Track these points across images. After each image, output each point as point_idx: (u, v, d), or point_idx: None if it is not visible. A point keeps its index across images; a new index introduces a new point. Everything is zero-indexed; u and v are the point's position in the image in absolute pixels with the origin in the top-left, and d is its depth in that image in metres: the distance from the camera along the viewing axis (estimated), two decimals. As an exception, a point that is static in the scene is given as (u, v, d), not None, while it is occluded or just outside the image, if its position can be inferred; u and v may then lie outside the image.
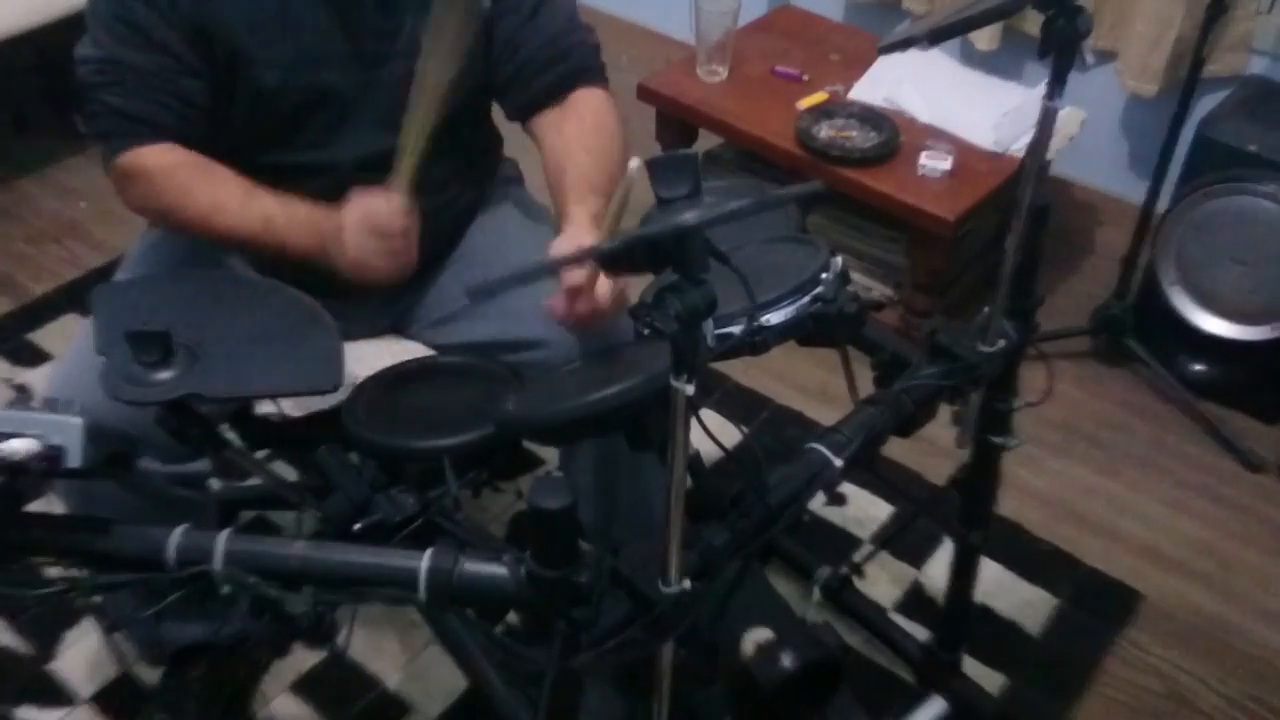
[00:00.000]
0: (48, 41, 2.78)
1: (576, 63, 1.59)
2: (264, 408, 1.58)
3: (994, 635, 1.97)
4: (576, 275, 1.34)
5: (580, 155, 1.51)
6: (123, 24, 1.43)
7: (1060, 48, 1.23)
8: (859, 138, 2.42)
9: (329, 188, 1.51)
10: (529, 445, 2.19)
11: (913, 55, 1.31)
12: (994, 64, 2.68)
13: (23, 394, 0.97)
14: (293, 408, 1.55)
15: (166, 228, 1.59)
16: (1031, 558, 2.11)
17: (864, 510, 2.19)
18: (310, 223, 1.45)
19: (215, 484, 1.69)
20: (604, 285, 1.36)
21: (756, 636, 1.23)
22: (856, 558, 2.00)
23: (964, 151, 2.37)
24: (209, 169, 1.48)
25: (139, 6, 1.42)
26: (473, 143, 1.69)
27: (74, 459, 0.94)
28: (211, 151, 1.50)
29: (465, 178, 1.68)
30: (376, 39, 1.51)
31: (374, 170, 1.50)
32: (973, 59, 2.71)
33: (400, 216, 1.43)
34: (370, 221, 1.42)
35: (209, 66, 1.46)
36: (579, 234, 1.40)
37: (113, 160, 1.48)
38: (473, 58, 1.52)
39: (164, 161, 1.47)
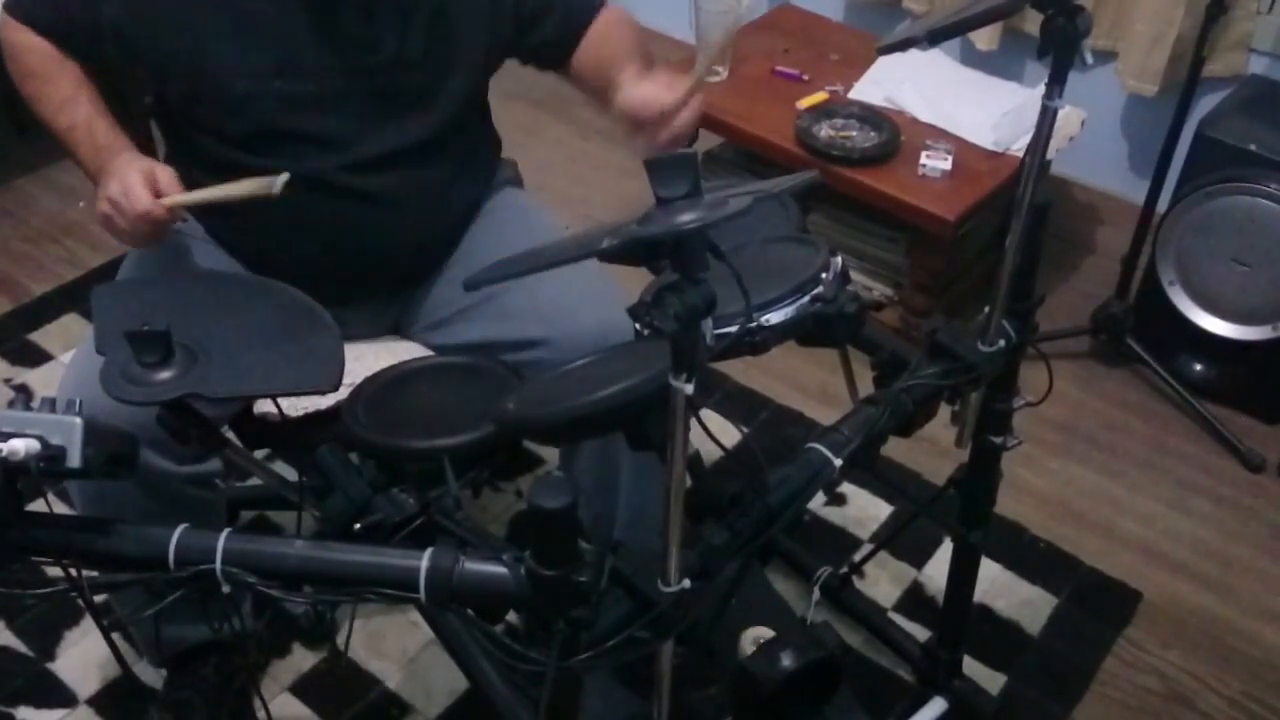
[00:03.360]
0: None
1: (595, 3, 1.67)
2: (263, 407, 1.58)
3: (994, 635, 1.97)
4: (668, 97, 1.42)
5: (614, 42, 1.63)
6: None
7: (1060, 47, 1.23)
8: (859, 138, 2.42)
9: (297, 185, 1.53)
10: (529, 445, 2.19)
11: (913, 55, 1.31)
12: (994, 64, 2.68)
13: (23, 394, 0.96)
14: (292, 408, 1.55)
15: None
16: (1031, 558, 2.11)
17: (864, 510, 2.19)
18: (97, 150, 1.51)
19: (218, 483, 1.69)
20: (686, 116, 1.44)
21: (755, 634, 1.23)
22: (856, 558, 2.00)
23: (964, 151, 2.37)
24: (57, 64, 1.54)
25: None
26: (472, 143, 1.69)
27: (74, 459, 0.94)
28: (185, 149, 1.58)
29: (464, 178, 1.68)
30: (355, 49, 1.51)
31: (353, 173, 1.54)
32: (973, 59, 2.71)
33: (141, 204, 1.41)
34: (124, 190, 1.42)
35: (102, 51, 1.52)
36: (648, 78, 1.50)
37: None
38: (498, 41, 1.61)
39: (23, 42, 1.55)
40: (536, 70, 1.72)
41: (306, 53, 1.49)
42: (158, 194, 1.42)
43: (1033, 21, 1.26)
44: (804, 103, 2.51)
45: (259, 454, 1.84)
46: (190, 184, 1.57)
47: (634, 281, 1.20)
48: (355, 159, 1.55)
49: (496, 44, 1.62)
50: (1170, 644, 1.99)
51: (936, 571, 2.04)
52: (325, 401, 1.55)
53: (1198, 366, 2.41)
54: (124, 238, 1.46)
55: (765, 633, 1.25)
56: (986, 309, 1.40)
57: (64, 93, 1.54)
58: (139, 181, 1.41)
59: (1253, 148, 2.17)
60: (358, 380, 1.47)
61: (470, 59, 1.60)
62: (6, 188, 2.96)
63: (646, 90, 1.46)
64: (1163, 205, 2.30)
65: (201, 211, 1.63)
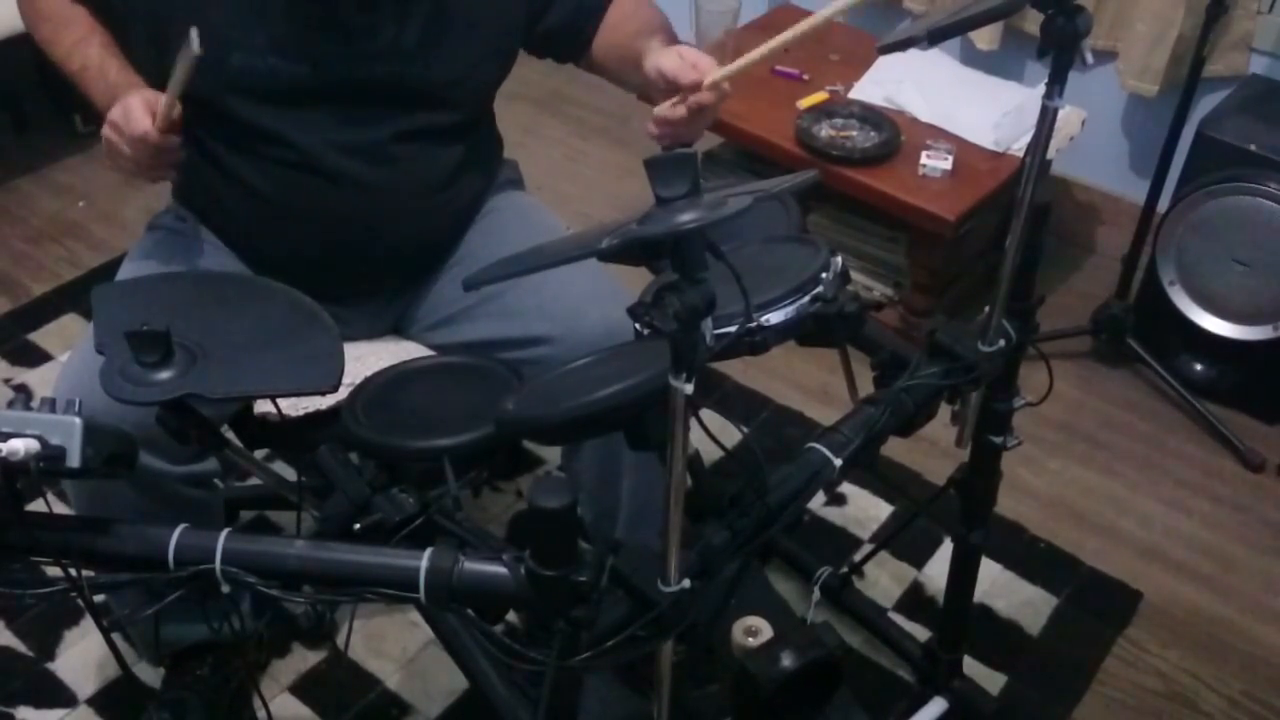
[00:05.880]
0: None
1: None
2: (263, 407, 1.58)
3: (994, 635, 1.97)
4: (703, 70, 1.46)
5: (638, 20, 1.66)
6: None
7: (1060, 47, 1.23)
8: (859, 137, 2.42)
9: (293, 165, 1.55)
10: (529, 445, 2.19)
11: (913, 55, 1.31)
12: (994, 64, 2.68)
13: (23, 394, 0.96)
14: (292, 408, 1.55)
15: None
16: (1031, 558, 2.11)
17: (864, 510, 2.19)
18: (109, 87, 1.52)
19: (216, 484, 1.69)
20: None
21: (747, 624, 1.23)
22: (856, 558, 2.00)
23: (964, 151, 2.37)
24: (68, 7, 1.58)
25: None
26: (475, 139, 1.69)
27: (73, 459, 0.94)
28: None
29: (466, 174, 1.68)
30: (351, 36, 1.51)
31: (348, 157, 1.54)
32: (973, 59, 2.71)
33: (139, 127, 1.41)
34: (125, 114, 1.42)
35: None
36: (672, 50, 1.51)
37: None
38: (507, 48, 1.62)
39: None
40: (555, 63, 1.73)
41: (304, 33, 1.50)
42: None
43: (1033, 21, 1.26)
44: (804, 103, 2.51)
45: (259, 454, 1.83)
46: (185, 167, 1.58)
47: (635, 281, 1.20)
48: (350, 144, 1.55)
49: (505, 36, 1.62)
50: (1170, 644, 1.99)
51: (936, 571, 2.04)
52: (325, 401, 1.54)
53: (1198, 366, 2.41)
54: (125, 165, 1.46)
55: (757, 622, 1.25)
56: (986, 309, 1.40)
57: (76, 34, 1.57)
58: (139, 106, 1.42)
59: (1253, 148, 2.17)
60: (358, 380, 1.47)
61: (474, 52, 1.59)
62: (6, 188, 2.96)
63: (689, 54, 1.48)
64: (1163, 205, 2.30)
65: (211, 210, 1.64)
